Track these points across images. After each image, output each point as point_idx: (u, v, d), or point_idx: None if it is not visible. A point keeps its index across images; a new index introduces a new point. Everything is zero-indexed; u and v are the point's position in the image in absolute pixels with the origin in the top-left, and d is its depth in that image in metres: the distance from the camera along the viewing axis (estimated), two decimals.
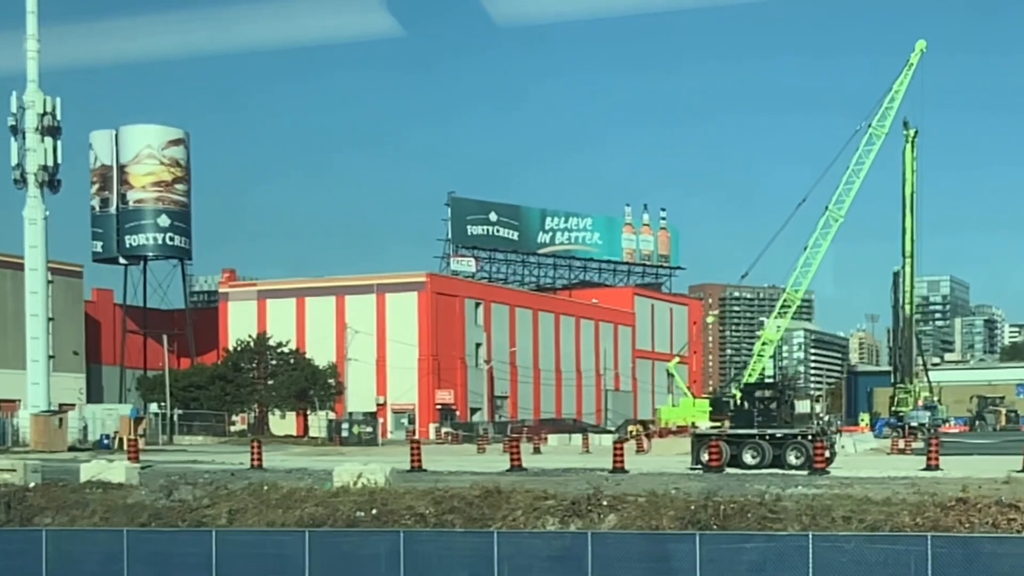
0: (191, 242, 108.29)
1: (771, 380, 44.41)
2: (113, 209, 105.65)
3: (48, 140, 72.56)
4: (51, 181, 73.36)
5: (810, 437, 37.27)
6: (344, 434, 78.00)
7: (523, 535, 24.68)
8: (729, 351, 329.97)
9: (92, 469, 33.54)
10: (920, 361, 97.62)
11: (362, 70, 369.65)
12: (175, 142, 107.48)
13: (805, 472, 35.98)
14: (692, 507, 28.73)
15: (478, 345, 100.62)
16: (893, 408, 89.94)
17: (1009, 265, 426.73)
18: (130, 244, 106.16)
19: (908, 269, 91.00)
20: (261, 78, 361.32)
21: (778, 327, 78.19)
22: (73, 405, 79.83)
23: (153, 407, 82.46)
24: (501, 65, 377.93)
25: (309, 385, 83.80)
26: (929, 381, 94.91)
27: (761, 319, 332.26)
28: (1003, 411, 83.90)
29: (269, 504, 31.19)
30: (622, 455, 38.16)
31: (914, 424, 79.94)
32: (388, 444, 77.03)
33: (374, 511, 30.66)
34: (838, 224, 75.71)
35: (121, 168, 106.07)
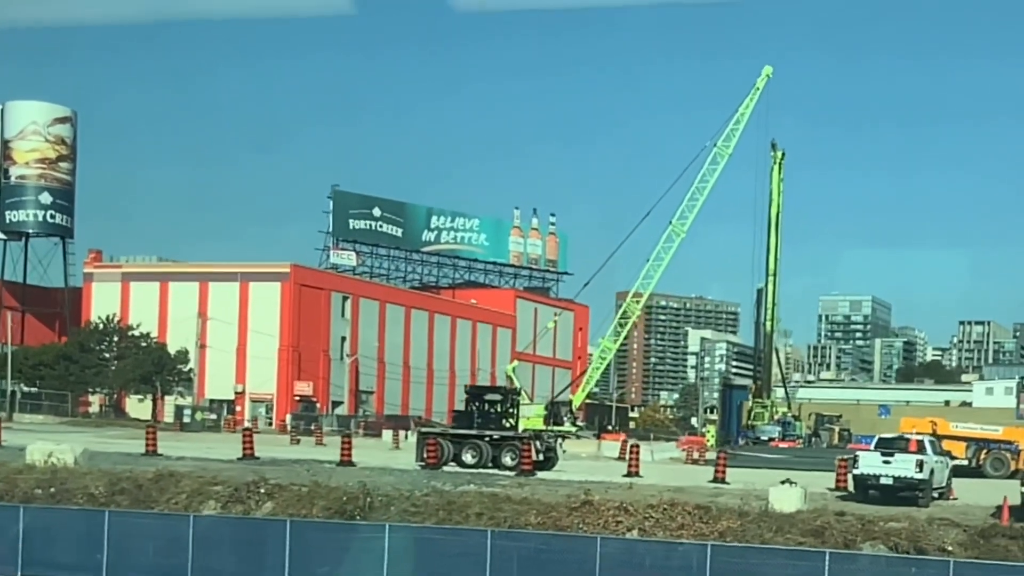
0: (73, 220, 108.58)
1: (499, 386, 46.27)
2: None
3: None
4: None
5: (523, 440, 38.72)
6: (186, 420, 78.76)
7: (134, 515, 25.86)
8: (653, 359, 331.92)
9: None
10: (780, 377, 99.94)
11: (300, 51, 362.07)
12: (61, 120, 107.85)
13: (514, 473, 37.43)
14: (344, 498, 30.37)
15: (343, 339, 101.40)
16: (748, 422, 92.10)
17: (934, 288, 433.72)
18: (10, 219, 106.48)
19: (771, 287, 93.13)
20: (191, 55, 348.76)
21: (616, 338, 79.66)
22: None
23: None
24: (447, 54, 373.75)
25: (156, 370, 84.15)
26: (788, 397, 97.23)
27: (686, 328, 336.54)
28: (837, 429, 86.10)
29: None
30: (350, 449, 39.62)
31: (764, 438, 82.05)
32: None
33: (52, 489, 31.97)
34: (680, 239, 77.35)
35: (5, 143, 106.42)
